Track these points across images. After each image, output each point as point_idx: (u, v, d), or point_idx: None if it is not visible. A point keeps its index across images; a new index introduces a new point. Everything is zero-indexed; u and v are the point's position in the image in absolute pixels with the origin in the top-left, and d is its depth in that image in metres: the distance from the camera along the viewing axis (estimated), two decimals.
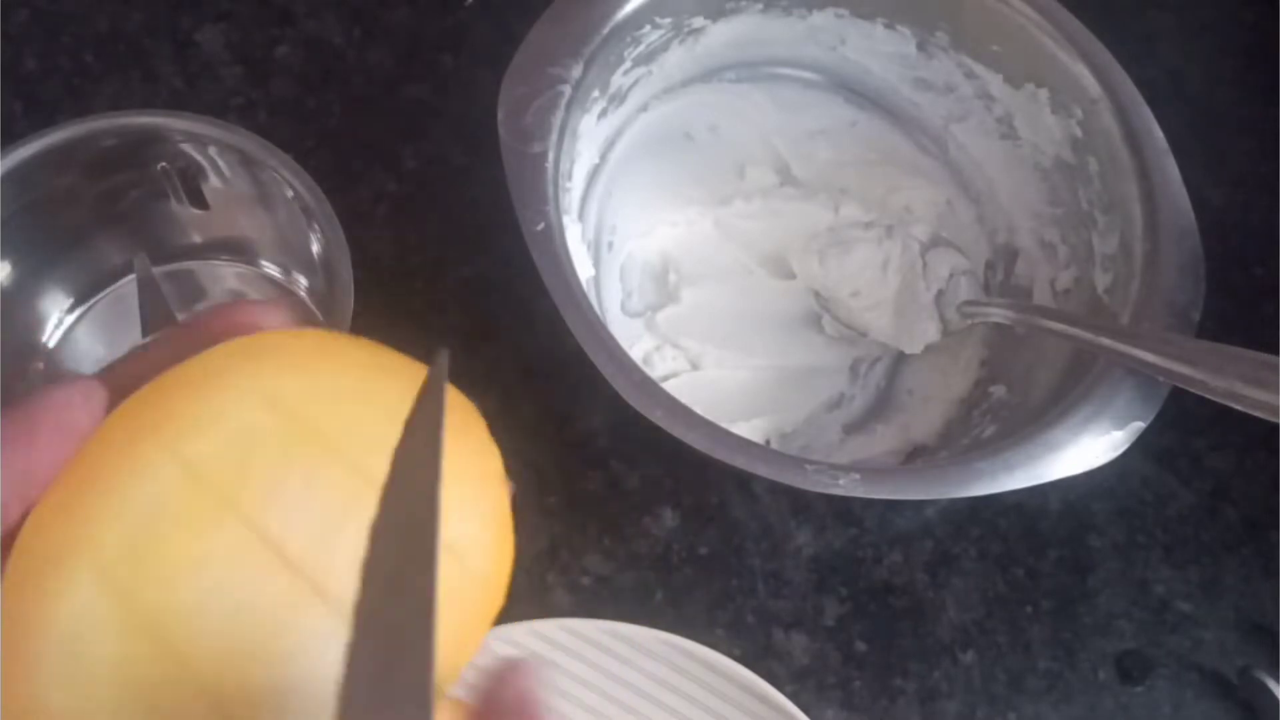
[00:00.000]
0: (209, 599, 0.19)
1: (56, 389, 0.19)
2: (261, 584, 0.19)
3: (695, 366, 0.48)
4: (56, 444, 0.19)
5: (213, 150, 0.41)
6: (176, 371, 0.21)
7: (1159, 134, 0.44)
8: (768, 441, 0.47)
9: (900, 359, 0.50)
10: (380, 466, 0.20)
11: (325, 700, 0.18)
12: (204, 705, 0.18)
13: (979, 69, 0.48)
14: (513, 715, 0.20)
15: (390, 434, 0.20)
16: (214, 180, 0.43)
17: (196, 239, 0.46)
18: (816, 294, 0.50)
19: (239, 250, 0.46)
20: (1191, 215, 0.43)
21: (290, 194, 0.41)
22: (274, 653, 0.19)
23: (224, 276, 0.46)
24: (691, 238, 0.51)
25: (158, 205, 0.44)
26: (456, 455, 0.21)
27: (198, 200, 0.44)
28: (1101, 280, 0.45)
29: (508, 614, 0.22)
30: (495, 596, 0.22)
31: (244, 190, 0.43)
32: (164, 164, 0.42)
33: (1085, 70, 0.45)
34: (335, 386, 0.21)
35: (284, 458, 0.20)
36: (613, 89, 0.46)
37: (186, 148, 0.41)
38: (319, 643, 0.19)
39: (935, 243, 0.51)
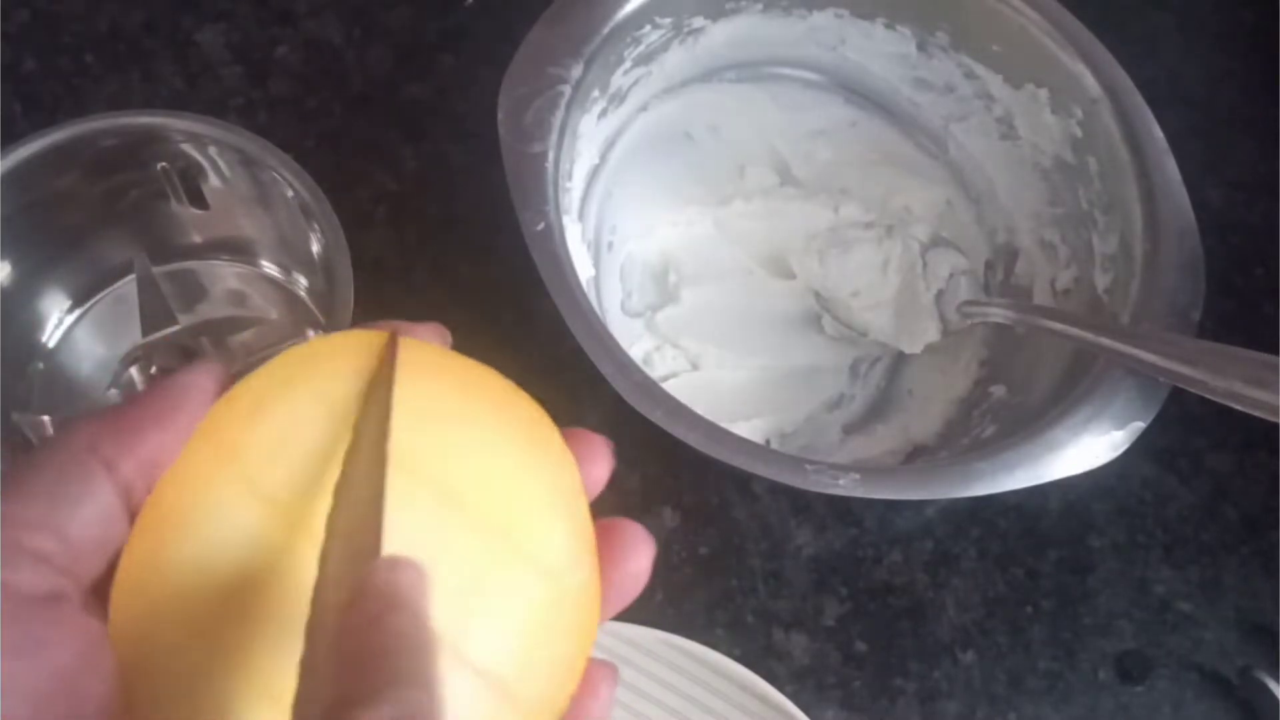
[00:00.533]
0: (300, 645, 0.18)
1: (183, 373, 0.19)
2: None
3: (695, 366, 0.48)
4: (185, 428, 0.19)
5: (213, 150, 0.41)
6: (259, 376, 0.20)
7: (1159, 134, 0.44)
8: (768, 441, 0.47)
9: (900, 359, 0.50)
10: (467, 490, 0.20)
11: None
12: None
13: (979, 69, 0.48)
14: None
15: (446, 438, 0.20)
16: (214, 180, 0.43)
17: (196, 239, 0.46)
18: (816, 294, 0.50)
19: (239, 250, 0.46)
20: (1191, 215, 0.43)
21: (290, 194, 0.41)
22: None
23: (224, 276, 0.46)
24: (691, 238, 0.51)
25: (158, 205, 0.44)
26: (537, 470, 0.21)
27: (198, 200, 0.44)
28: (1101, 280, 0.45)
29: None
30: (594, 608, 0.22)
31: (244, 190, 0.43)
32: (164, 164, 0.42)
33: (1085, 70, 0.45)
34: (409, 397, 0.21)
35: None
36: (613, 89, 0.46)
37: (186, 148, 0.41)
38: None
39: (935, 243, 0.51)
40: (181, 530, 0.19)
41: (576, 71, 0.41)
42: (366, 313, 0.47)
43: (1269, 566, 0.48)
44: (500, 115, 0.40)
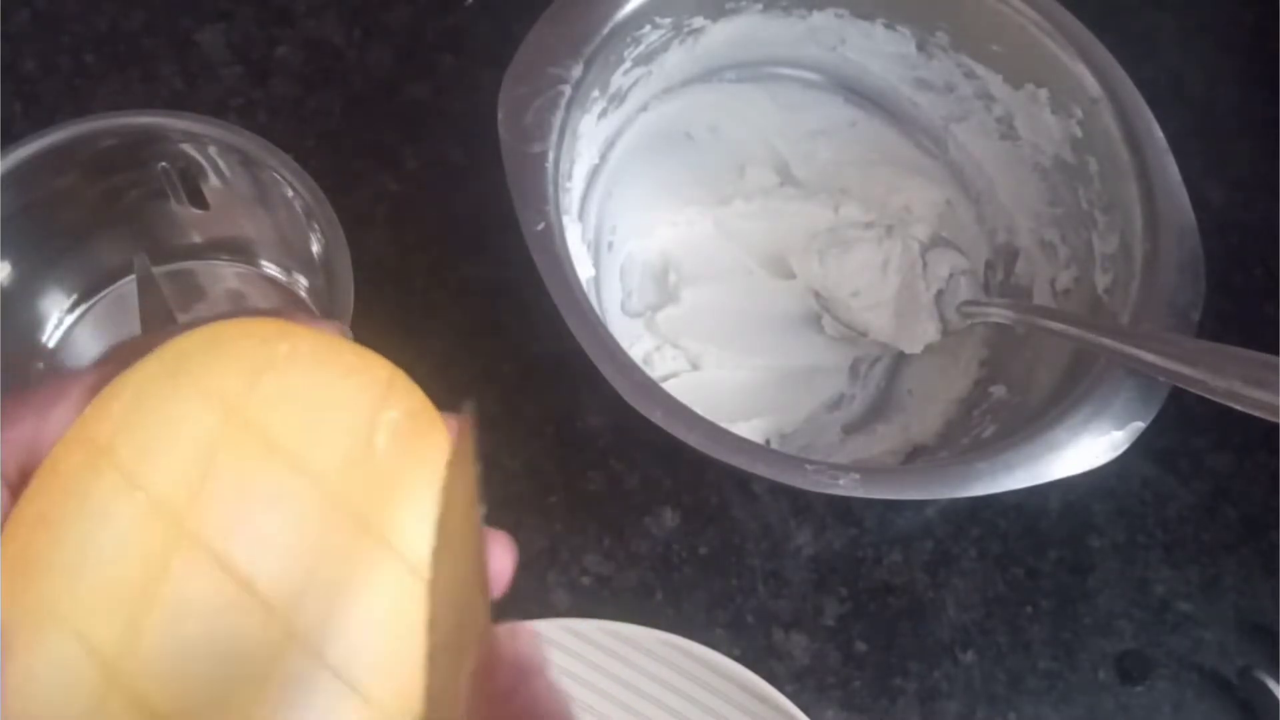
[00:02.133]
0: (184, 647, 0.18)
1: (71, 372, 0.20)
2: (236, 627, 0.19)
3: (695, 366, 0.48)
4: (63, 418, 0.19)
5: (213, 150, 0.41)
6: (137, 371, 0.20)
7: (1159, 134, 0.44)
8: (768, 441, 0.47)
9: (900, 359, 0.50)
10: (343, 483, 0.19)
11: None
12: None
13: (979, 69, 0.48)
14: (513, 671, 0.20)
15: (348, 444, 0.20)
16: (214, 180, 0.43)
17: (196, 239, 0.46)
18: (816, 294, 0.50)
19: (239, 250, 0.46)
20: (1191, 215, 0.43)
21: (290, 194, 0.41)
22: (254, 701, 0.19)
23: (224, 276, 0.46)
24: (691, 238, 0.51)
25: (158, 205, 0.44)
26: (415, 464, 0.21)
27: (198, 200, 0.44)
28: (1101, 280, 0.45)
29: (507, 613, 0.22)
30: None
31: (244, 190, 0.43)
32: (164, 164, 0.42)
33: (1085, 70, 0.45)
34: (291, 388, 0.20)
35: (245, 476, 0.19)
36: (613, 89, 0.46)
37: (186, 148, 0.41)
38: (300, 690, 0.19)
39: (935, 243, 0.51)
40: (58, 527, 0.18)
41: (576, 71, 0.41)
42: (367, 312, 0.47)
43: (1269, 566, 0.48)
44: (500, 115, 0.40)
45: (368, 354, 0.22)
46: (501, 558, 0.22)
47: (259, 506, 0.19)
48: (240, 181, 0.43)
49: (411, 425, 0.21)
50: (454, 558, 0.20)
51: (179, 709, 0.18)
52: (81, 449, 0.19)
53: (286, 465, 0.20)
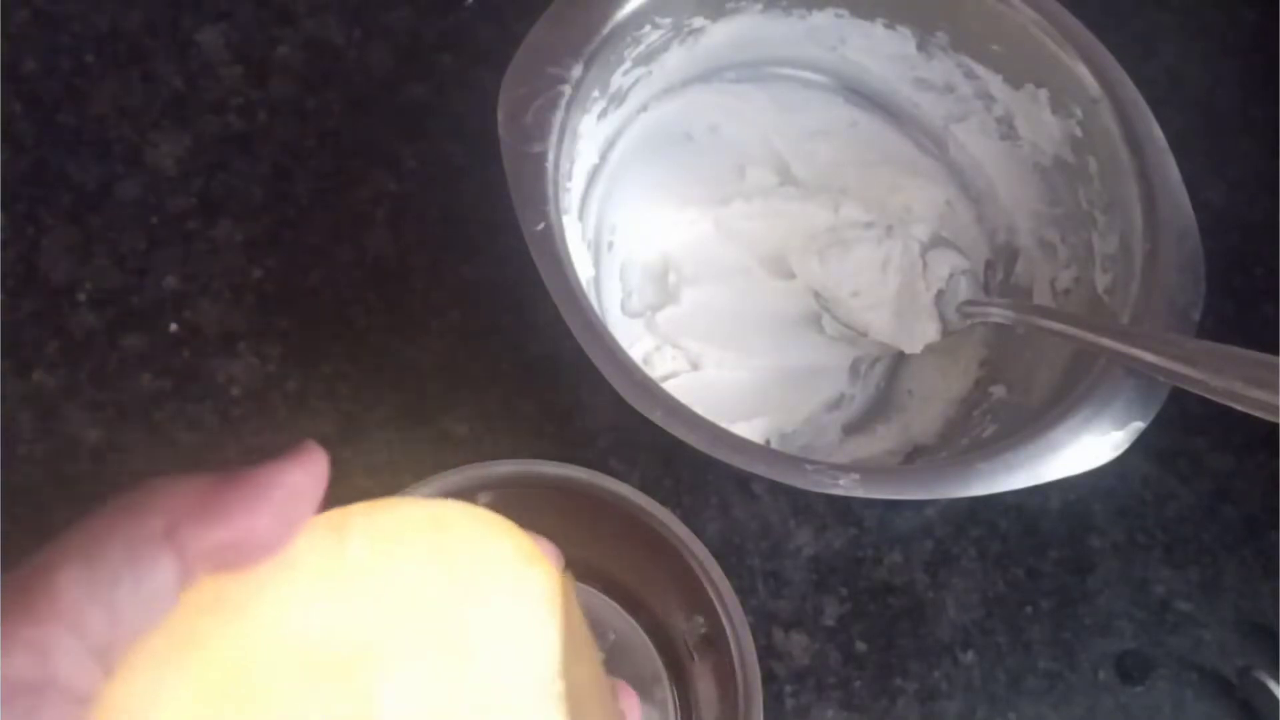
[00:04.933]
0: None
1: (281, 464, 0.18)
2: None
3: (695, 366, 0.48)
4: (270, 520, 0.18)
5: None
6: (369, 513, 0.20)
7: (1159, 134, 0.44)
8: (768, 441, 0.46)
9: (900, 359, 0.50)
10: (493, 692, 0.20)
11: None
12: None
13: (979, 69, 0.48)
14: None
15: (510, 656, 0.20)
16: None
17: None
18: (816, 294, 0.50)
19: None
20: (1191, 215, 0.43)
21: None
22: None
23: None
24: (691, 238, 0.51)
25: None
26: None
27: None
28: (1101, 280, 0.45)
29: None
30: None
31: None
32: None
33: (1085, 70, 0.45)
34: (491, 592, 0.21)
35: (420, 653, 0.20)
36: (613, 89, 0.46)
37: None
38: None
39: (935, 243, 0.51)
40: (232, 618, 0.18)
41: (576, 71, 0.41)
42: (367, 313, 0.47)
43: (1269, 566, 0.48)
44: (500, 115, 0.40)
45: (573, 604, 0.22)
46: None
47: (416, 696, 0.19)
48: None
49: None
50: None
51: None
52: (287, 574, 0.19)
53: (460, 670, 0.20)
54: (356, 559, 0.19)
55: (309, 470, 0.18)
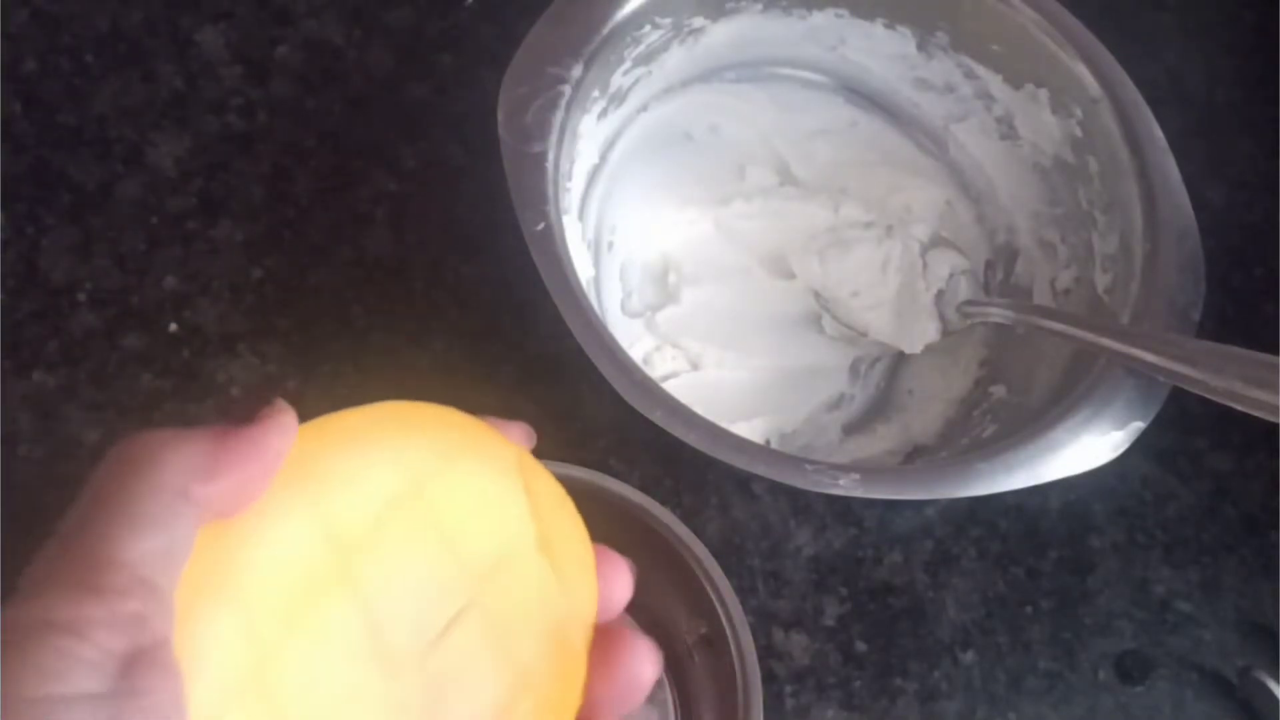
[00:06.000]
0: (314, 677, 0.20)
1: (259, 420, 0.20)
2: (357, 674, 0.20)
3: (695, 366, 0.48)
4: (266, 468, 0.20)
5: None
6: (339, 418, 0.22)
7: (1159, 134, 0.44)
8: (768, 441, 0.46)
9: (900, 359, 0.50)
10: (483, 585, 0.22)
11: None
12: None
13: (979, 69, 0.48)
14: None
15: (488, 527, 0.22)
16: None
17: None
18: (816, 294, 0.50)
19: None
20: (1191, 215, 0.43)
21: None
22: None
23: None
24: (691, 238, 0.51)
25: None
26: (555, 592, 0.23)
27: None
28: (1101, 280, 0.45)
29: None
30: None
31: None
32: None
33: (1085, 70, 0.45)
34: (464, 480, 0.23)
35: (408, 544, 0.21)
36: (613, 89, 0.46)
37: None
38: None
39: (935, 243, 0.51)
40: (244, 548, 0.19)
41: (576, 71, 0.41)
42: (368, 313, 0.47)
43: (1269, 566, 0.48)
44: (500, 115, 0.40)
45: (543, 473, 0.25)
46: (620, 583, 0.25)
47: (411, 578, 0.21)
48: None
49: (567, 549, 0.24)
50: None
51: None
52: (286, 478, 0.20)
53: (444, 548, 0.22)
54: (329, 466, 0.21)
55: (286, 427, 0.20)
